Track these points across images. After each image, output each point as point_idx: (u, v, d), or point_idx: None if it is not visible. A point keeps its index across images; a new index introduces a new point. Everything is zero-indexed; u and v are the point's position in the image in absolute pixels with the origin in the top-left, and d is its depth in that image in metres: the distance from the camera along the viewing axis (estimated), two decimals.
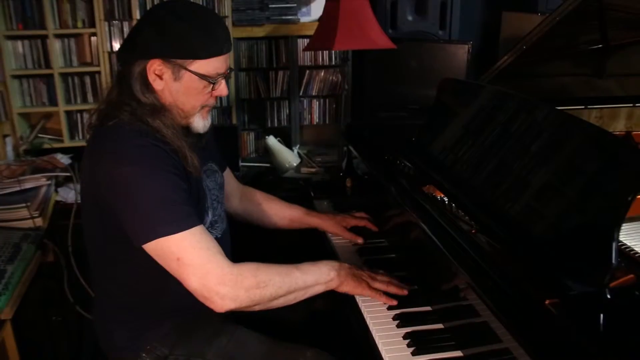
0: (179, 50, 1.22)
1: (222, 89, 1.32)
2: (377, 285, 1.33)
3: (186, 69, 1.23)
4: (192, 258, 1.17)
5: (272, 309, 1.27)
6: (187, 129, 1.34)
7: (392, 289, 1.32)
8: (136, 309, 1.35)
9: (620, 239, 1.15)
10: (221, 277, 1.18)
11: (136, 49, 1.24)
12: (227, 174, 1.66)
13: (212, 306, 1.19)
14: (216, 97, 1.32)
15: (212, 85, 1.28)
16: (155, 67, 1.23)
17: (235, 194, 1.70)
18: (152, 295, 1.34)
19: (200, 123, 1.33)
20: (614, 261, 0.89)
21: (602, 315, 0.88)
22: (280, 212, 1.71)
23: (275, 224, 1.72)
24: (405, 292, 1.32)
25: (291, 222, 1.72)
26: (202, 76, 1.25)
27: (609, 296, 0.90)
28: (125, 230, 1.19)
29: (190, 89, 1.26)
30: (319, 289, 1.30)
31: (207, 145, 1.44)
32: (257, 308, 1.24)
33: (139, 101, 1.24)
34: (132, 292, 1.35)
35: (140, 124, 1.22)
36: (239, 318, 1.45)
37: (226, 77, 1.32)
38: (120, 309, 1.36)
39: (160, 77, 1.24)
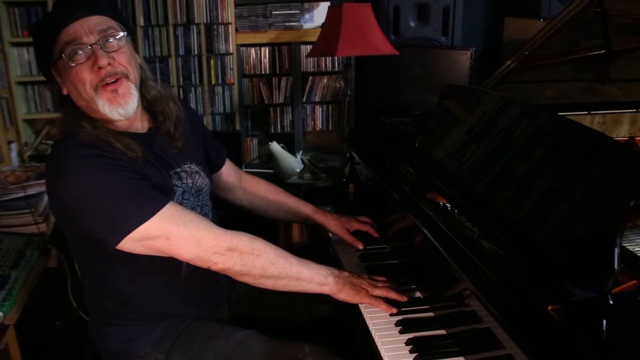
0: (42, 50, 1.22)
1: (96, 58, 1.18)
2: (377, 292, 1.31)
3: (56, 60, 1.21)
4: (180, 232, 1.17)
5: (259, 287, 1.26)
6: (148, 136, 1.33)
7: (393, 295, 1.31)
8: (124, 317, 1.35)
9: (623, 244, 1.15)
10: (215, 240, 1.20)
11: (41, 70, 1.29)
12: (227, 166, 1.65)
13: (207, 266, 1.20)
14: (102, 69, 1.18)
15: (69, 59, 1.18)
16: (55, 76, 1.24)
17: (238, 186, 1.69)
18: (137, 304, 1.34)
19: (109, 109, 1.21)
20: (616, 267, 0.89)
21: (604, 321, 0.87)
22: (288, 206, 1.70)
23: (281, 217, 1.72)
24: (404, 299, 1.31)
25: (297, 217, 1.71)
26: (57, 59, 1.20)
27: (611, 302, 0.90)
28: (96, 239, 1.16)
29: (70, 76, 1.20)
30: (312, 288, 1.29)
31: (187, 147, 1.41)
32: (246, 279, 1.24)
33: (64, 114, 1.25)
34: (117, 302, 1.34)
35: (72, 130, 1.21)
36: (238, 320, 1.46)
37: (104, 42, 1.20)
38: (111, 316, 1.36)
39: (61, 81, 1.24)
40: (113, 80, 1.21)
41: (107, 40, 1.21)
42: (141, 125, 1.34)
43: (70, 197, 1.16)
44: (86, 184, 1.14)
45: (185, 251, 1.18)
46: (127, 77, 1.24)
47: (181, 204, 1.34)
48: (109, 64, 1.20)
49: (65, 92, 1.25)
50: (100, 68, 1.19)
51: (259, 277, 1.24)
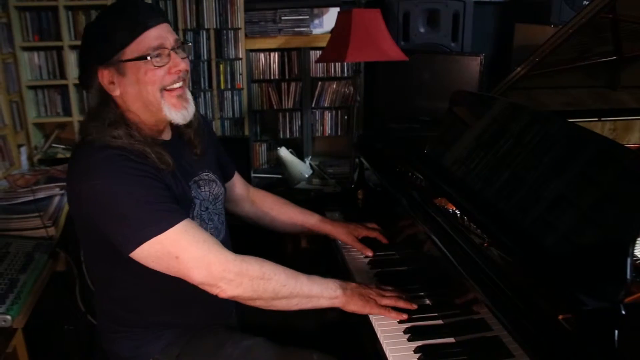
0: (107, 48, 1.21)
1: (176, 62, 1.23)
2: (385, 301, 1.31)
3: (122, 61, 1.20)
4: (191, 252, 1.16)
5: (271, 309, 1.26)
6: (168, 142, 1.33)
7: (401, 304, 1.30)
8: (134, 323, 1.35)
9: (635, 253, 1.14)
10: (225, 265, 1.18)
11: (83, 71, 1.27)
12: (236, 179, 1.66)
13: (216, 292, 1.19)
14: (176, 74, 1.24)
15: (154, 61, 1.20)
16: (104, 76, 1.23)
17: (245, 199, 1.69)
18: (147, 310, 1.34)
19: (174, 114, 1.25)
20: (628, 276, 0.88)
21: (616, 331, 0.86)
22: (294, 218, 1.70)
23: (288, 229, 1.72)
24: (414, 307, 1.30)
25: (304, 228, 1.71)
26: (137, 59, 1.20)
27: (623, 312, 0.88)
28: (112, 245, 1.17)
29: (138, 77, 1.21)
30: (323, 303, 1.29)
31: (204, 155, 1.42)
32: (258, 303, 1.24)
33: (100, 118, 1.24)
34: (127, 308, 1.35)
35: (104, 138, 1.20)
36: (246, 327, 1.46)
37: (177, 49, 1.24)
38: (120, 323, 1.36)
39: (112, 82, 1.24)
40: (180, 84, 1.26)
41: (180, 47, 1.26)
42: (167, 133, 1.36)
43: (92, 199, 1.16)
44: (109, 186, 1.15)
45: (193, 272, 1.17)
46: (185, 82, 1.29)
47: (200, 214, 1.36)
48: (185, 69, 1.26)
49: (117, 92, 1.24)
50: (179, 71, 1.24)
51: (271, 300, 1.24)
